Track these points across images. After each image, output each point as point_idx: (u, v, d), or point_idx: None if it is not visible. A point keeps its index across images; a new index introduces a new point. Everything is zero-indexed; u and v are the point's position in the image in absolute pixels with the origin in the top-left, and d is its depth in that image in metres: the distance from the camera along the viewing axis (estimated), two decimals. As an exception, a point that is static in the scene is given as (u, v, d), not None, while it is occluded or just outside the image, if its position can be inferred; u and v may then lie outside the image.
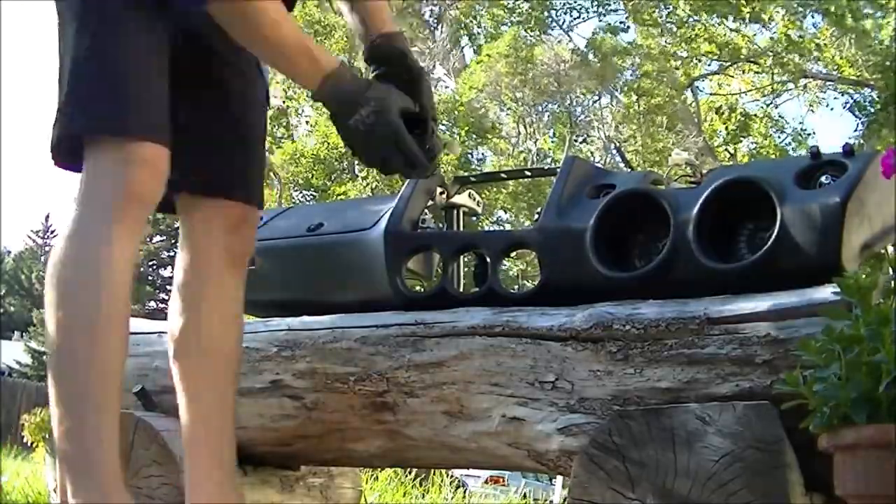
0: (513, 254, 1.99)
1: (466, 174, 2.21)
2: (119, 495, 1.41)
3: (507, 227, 14.92)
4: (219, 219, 1.68)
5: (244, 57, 1.66)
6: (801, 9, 12.59)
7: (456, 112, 14.31)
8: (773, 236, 1.54)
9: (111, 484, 1.41)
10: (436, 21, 16.25)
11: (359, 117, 1.51)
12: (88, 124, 1.49)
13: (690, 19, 13.00)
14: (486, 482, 12.12)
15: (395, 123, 1.52)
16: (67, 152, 1.52)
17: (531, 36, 14.25)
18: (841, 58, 13.03)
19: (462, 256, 2.00)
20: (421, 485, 5.35)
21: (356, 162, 16.29)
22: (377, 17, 1.70)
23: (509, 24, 14.86)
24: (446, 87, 16.05)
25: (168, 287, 23.19)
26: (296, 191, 14.68)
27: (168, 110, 1.51)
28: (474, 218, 2.19)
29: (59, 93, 1.51)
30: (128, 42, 1.49)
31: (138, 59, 1.50)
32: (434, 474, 5.69)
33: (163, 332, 2.11)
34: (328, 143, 15.52)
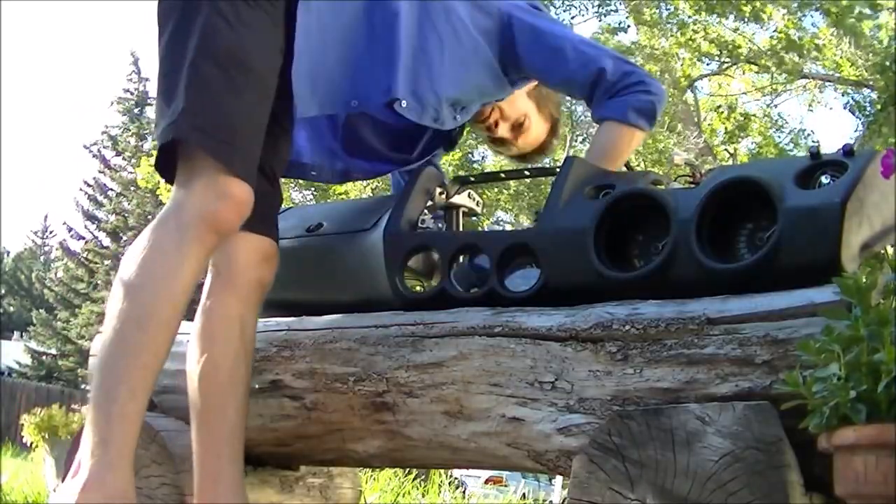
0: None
1: (466, 174, 2.21)
2: (122, 475, 1.53)
3: (508, 227, 14.92)
4: (259, 253, 1.86)
5: (289, 115, 1.89)
6: (800, 9, 12.58)
7: (456, 112, 14.31)
8: (773, 237, 1.54)
9: (118, 464, 1.53)
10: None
11: None
12: (203, 141, 1.65)
13: (690, 19, 12.97)
14: (485, 482, 12.13)
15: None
16: (165, 162, 1.70)
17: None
18: (840, 58, 13.01)
19: (462, 256, 2.00)
20: (421, 485, 5.35)
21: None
22: None
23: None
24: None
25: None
26: (296, 191, 14.65)
27: (257, 162, 1.73)
28: (474, 218, 2.19)
29: (178, 99, 1.66)
30: (253, 93, 1.72)
31: (257, 111, 1.73)
32: (434, 474, 5.69)
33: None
34: (328, 144, 15.45)
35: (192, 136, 1.65)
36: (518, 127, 2.35)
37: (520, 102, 2.33)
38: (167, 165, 1.71)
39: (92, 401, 1.60)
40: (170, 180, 1.72)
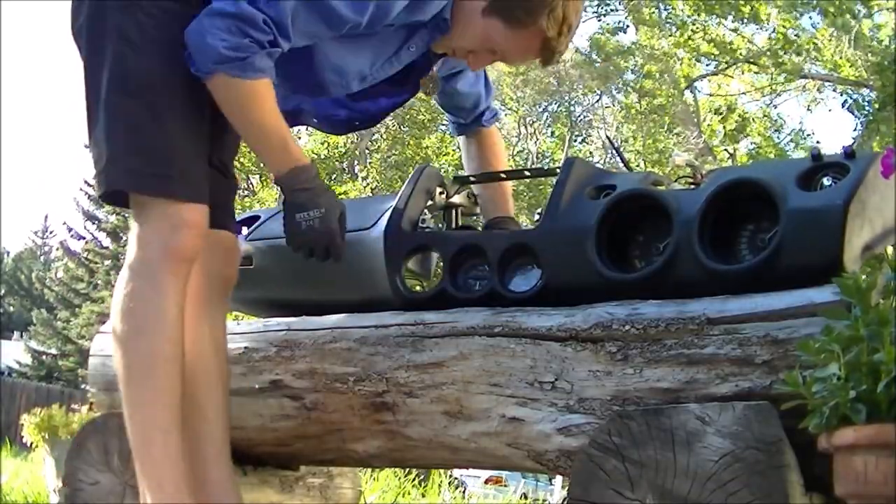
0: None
1: (466, 174, 2.21)
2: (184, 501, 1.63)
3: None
4: (218, 248, 1.85)
5: None
6: (799, 8, 12.59)
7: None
8: (776, 238, 1.54)
9: (177, 497, 1.63)
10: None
11: (307, 216, 1.75)
12: (140, 184, 1.68)
13: (689, 20, 12.99)
14: (485, 482, 12.13)
15: (334, 231, 1.77)
16: (111, 195, 1.74)
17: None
18: (839, 58, 13.03)
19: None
20: (421, 485, 5.35)
21: (355, 162, 16.27)
22: (500, 202, 2.15)
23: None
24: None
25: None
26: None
27: (206, 171, 1.74)
28: (472, 218, 2.19)
29: (102, 141, 1.68)
30: (176, 109, 1.70)
31: (186, 125, 1.71)
32: (434, 474, 5.69)
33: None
34: (328, 143, 15.50)
35: (128, 183, 1.69)
36: (493, 53, 1.89)
37: (472, 29, 1.84)
38: (115, 195, 1.74)
39: (135, 453, 1.67)
40: (122, 205, 1.74)
